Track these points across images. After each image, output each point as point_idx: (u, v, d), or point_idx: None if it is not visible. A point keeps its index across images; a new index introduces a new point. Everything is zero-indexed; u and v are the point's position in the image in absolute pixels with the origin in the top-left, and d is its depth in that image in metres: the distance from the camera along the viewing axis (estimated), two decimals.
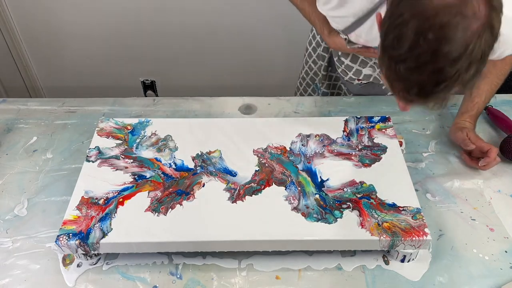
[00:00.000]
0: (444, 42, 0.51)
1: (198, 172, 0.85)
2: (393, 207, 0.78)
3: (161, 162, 0.87)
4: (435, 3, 0.51)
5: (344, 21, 0.79)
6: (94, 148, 0.89)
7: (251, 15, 1.66)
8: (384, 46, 0.58)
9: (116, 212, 0.77)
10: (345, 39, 0.89)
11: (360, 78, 1.06)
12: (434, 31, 0.51)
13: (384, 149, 0.89)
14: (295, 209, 0.78)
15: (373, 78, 1.07)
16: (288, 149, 0.90)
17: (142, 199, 0.80)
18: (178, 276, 0.76)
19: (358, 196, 0.80)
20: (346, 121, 0.96)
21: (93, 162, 0.87)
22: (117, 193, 0.80)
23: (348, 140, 0.92)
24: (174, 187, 0.82)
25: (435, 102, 0.58)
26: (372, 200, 0.79)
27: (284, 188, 0.82)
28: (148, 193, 0.81)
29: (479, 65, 0.54)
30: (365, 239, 0.73)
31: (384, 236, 0.73)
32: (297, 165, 0.86)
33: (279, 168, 0.86)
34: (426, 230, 0.74)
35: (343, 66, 1.07)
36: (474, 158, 0.93)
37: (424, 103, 0.59)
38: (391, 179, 0.83)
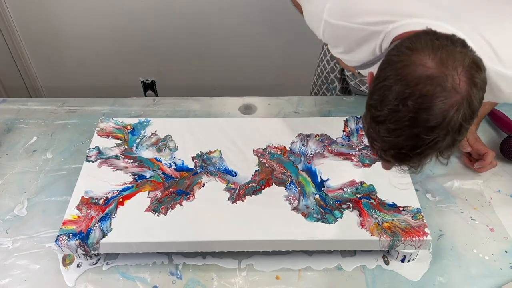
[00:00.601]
0: (422, 110, 0.53)
1: (198, 172, 0.85)
2: (393, 207, 0.78)
3: (161, 162, 0.87)
4: (417, 73, 0.53)
5: (352, 62, 0.82)
6: (94, 148, 0.89)
7: (251, 15, 1.66)
8: (368, 105, 0.59)
9: (116, 212, 0.77)
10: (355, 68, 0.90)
11: None
12: (414, 99, 0.53)
13: None
14: (295, 209, 0.78)
15: None
16: (288, 149, 0.90)
17: (142, 199, 0.79)
18: (178, 276, 0.76)
19: (358, 196, 0.80)
20: (346, 121, 0.96)
21: (93, 162, 0.87)
22: (117, 193, 0.80)
23: (348, 140, 0.92)
24: (174, 187, 0.82)
25: (411, 166, 0.60)
26: (372, 200, 0.79)
27: (284, 188, 0.82)
28: (148, 193, 0.81)
29: (456, 136, 0.55)
30: (365, 239, 0.73)
31: (384, 236, 0.73)
32: (297, 165, 0.86)
33: (279, 168, 0.86)
34: (426, 230, 0.74)
35: (356, 80, 1.09)
36: (473, 159, 0.93)
37: (400, 165, 0.61)
38: (391, 179, 0.83)
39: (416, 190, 0.84)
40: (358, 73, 0.88)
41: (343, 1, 0.72)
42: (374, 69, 0.70)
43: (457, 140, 0.56)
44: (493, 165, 0.90)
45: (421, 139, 0.54)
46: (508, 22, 0.64)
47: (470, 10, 0.65)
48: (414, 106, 0.53)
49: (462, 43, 0.56)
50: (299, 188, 0.82)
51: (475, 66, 0.54)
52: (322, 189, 0.82)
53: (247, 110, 1.10)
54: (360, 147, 0.90)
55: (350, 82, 1.13)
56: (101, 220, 0.75)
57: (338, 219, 0.76)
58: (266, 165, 0.87)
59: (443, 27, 0.61)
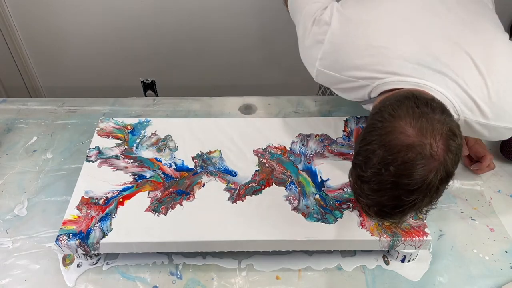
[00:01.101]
0: (404, 176, 0.57)
1: (198, 172, 0.85)
2: None
3: (161, 162, 0.87)
4: (399, 140, 0.58)
5: (347, 98, 0.87)
6: (94, 148, 0.89)
7: (251, 15, 1.66)
8: (354, 163, 0.64)
9: (116, 212, 0.77)
10: None
11: None
12: (396, 165, 0.57)
13: None
14: (295, 209, 0.78)
15: None
16: (288, 149, 0.90)
17: (142, 199, 0.79)
18: (178, 276, 0.76)
19: None
20: (346, 121, 0.96)
21: (93, 162, 0.87)
22: (117, 193, 0.80)
23: (348, 140, 0.92)
24: (174, 187, 0.82)
25: (392, 222, 0.66)
26: None
27: (284, 188, 0.82)
28: (148, 193, 0.81)
29: (434, 196, 0.60)
30: (365, 239, 0.73)
31: (384, 236, 0.73)
32: (297, 165, 0.86)
33: (279, 168, 0.86)
34: (426, 230, 0.74)
35: None
36: (474, 160, 0.93)
37: (382, 221, 0.68)
38: None
39: None
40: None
41: (333, 54, 0.77)
42: (367, 107, 0.79)
43: (435, 199, 0.61)
44: (490, 168, 0.91)
45: (402, 200, 0.59)
46: (489, 76, 0.69)
47: (455, 67, 0.69)
48: (396, 171, 0.57)
49: (441, 109, 0.61)
50: (299, 188, 0.82)
51: (452, 134, 0.59)
52: (322, 189, 0.82)
53: (247, 110, 1.10)
54: None
55: None
56: (101, 220, 0.75)
57: (338, 219, 0.76)
58: (266, 165, 0.87)
59: (427, 86, 0.68)
